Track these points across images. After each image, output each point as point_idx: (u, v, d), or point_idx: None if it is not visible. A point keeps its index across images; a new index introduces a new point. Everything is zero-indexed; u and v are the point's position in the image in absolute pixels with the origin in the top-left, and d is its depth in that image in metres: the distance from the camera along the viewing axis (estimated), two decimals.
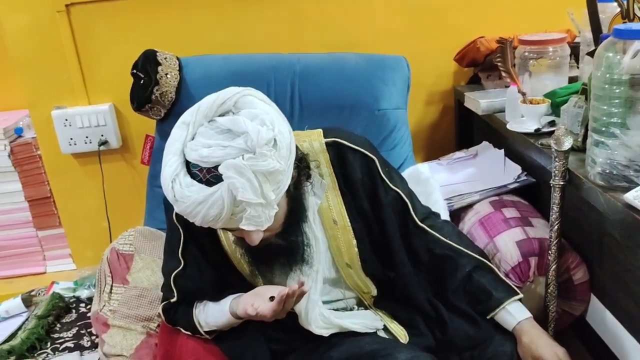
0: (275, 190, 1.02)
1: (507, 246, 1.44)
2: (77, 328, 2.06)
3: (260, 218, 1.01)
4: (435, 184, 1.71)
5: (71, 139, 2.20)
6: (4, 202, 2.57)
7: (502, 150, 1.78)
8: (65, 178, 2.47)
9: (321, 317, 1.26)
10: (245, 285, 1.29)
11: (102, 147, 2.21)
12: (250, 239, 1.08)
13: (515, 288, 1.27)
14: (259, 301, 1.17)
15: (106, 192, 2.41)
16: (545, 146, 1.39)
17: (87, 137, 2.20)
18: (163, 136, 1.88)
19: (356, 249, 1.26)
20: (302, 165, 1.15)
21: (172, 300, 1.33)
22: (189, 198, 1.01)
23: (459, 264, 1.27)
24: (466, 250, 1.29)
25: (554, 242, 1.31)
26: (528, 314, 1.22)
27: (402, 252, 1.28)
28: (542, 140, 1.43)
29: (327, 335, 1.26)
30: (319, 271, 1.25)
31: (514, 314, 1.22)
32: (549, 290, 1.34)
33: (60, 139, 2.20)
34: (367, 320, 1.29)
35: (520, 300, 1.25)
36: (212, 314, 1.30)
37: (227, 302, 1.28)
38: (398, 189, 1.29)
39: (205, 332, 1.31)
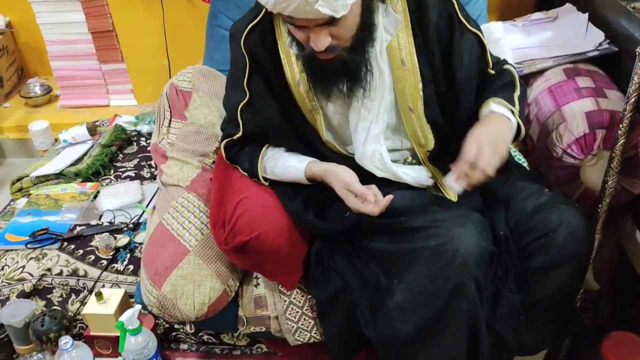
0: None
1: (575, 116, 1.37)
2: (137, 160, 2.17)
3: (337, 1, 0.99)
4: (506, 45, 1.61)
5: None
6: (69, 32, 2.61)
7: (586, 15, 1.63)
8: (128, 13, 2.45)
9: (378, 156, 1.27)
10: (305, 126, 1.30)
11: None
12: (317, 43, 1.06)
13: (514, 109, 1.22)
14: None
15: (167, 30, 2.39)
16: (638, 10, 1.26)
17: None
18: None
19: (421, 93, 1.23)
20: None
21: (236, 136, 1.35)
22: None
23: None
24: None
25: (628, 115, 1.23)
26: (503, 111, 1.20)
27: (471, 97, 1.25)
28: (635, 4, 1.29)
29: (379, 176, 1.28)
30: (381, 106, 1.23)
31: (492, 107, 1.21)
32: (612, 165, 1.28)
33: None
34: (420, 175, 1.29)
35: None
36: (283, 165, 1.33)
37: (305, 160, 1.30)
38: (478, 32, 1.25)
39: (264, 178, 1.35)
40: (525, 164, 1.46)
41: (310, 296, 1.40)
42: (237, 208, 1.30)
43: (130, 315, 1.35)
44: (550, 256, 1.16)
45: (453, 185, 1.13)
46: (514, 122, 1.20)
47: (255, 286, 1.44)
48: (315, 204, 1.33)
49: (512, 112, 1.19)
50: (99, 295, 1.53)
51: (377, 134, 1.24)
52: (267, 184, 1.36)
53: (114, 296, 1.55)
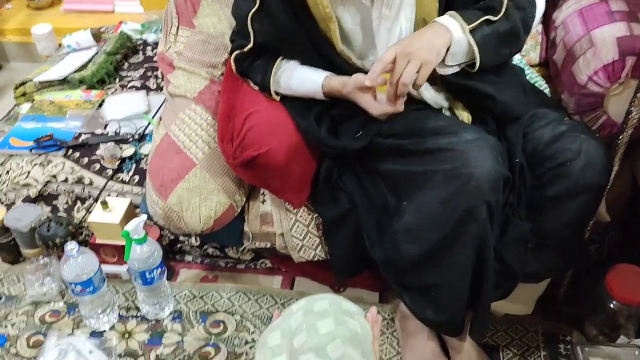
0: None
1: (605, 41, 1.29)
2: (143, 69, 2.10)
3: None
4: None
5: None
6: None
7: None
8: None
9: None
10: (318, 37, 1.23)
11: None
12: None
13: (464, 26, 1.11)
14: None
15: None
16: None
17: None
18: None
19: (437, 4, 1.16)
20: None
21: (247, 48, 1.29)
22: None
23: None
24: None
25: None
26: (446, 22, 1.11)
27: None
28: None
29: None
30: (403, 3, 1.16)
31: (441, 18, 1.12)
32: (638, 95, 1.23)
33: None
34: (436, 95, 1.24)
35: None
36: (299, 77, 1.27)
37: (323, 73, 1.25)
38: None
39: (275, 92, 1.30)
40: (547, 91, 1.41)
41: (316, 215, 1.39)
42: (246, 122, 1.26)
43: (136, 225, 1.34)
44: (566, 186, 1.13)
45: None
46: (456, 37, 1.10)
47: (262, 202, 1.43)
48: (328, 121, 1.29)
49: (463, 28, 1.10)
50: (105, 204, 1.52)
51: (399, 34, 1.18)
52: (278, 98, 1.32)
53: (119, 205, 1.55)
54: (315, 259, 1.43)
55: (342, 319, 0.94)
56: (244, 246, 1.47)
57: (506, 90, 1.21)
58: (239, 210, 1.39)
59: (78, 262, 1.37)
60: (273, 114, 1.29)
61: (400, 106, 1.16)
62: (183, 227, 1.34)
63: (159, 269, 1.43)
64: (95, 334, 1.49)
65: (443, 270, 1.19)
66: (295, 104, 1.31)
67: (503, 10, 1.12)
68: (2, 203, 1.72)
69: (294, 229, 1.39)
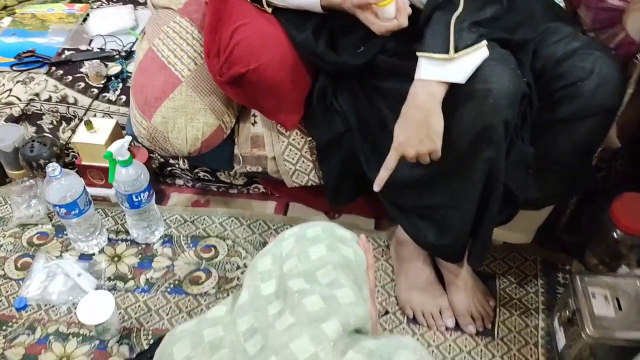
0: None
1: None
2: None
3: None
4: None
5: None
6: None
7: None
8: None
9: None
10: None
11: None
12: None
13: (452, 47, 0.99)
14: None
15: None
16: None
17: None
18: None
19: None
20: None
21: None
22: None
23: None
24: None
25: None
26: (432, 77, 1.00)
27: None
28: None
29: None
30: None
31: (419, 70, 1.02)
32: None
33: None
34: None
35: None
36: None
37: None
38: None
39: (267, 3, 1.20)
40: (562, 3, 1.29)
41: (310, 138, 1.32)
42: (234, 35, 1.17)
43: (119, 146, 1.28)
44: (576, 107, 1.05)
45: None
46: (450, 78, 1.00)
47: (253, 124, 1.35)
48: (326, 34, 1.20)
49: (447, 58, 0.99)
50: (89, 124, 1.45)
51: None
52: (270, 10, 1.21)
53: (104, 126, 1.48)
54: (309, 184, 1.37)
55: (335, 245, 0.89)
56: (234, 170, 1.41)
57: (514, 16, 1.11)
58: (228, 131, 1.32)
59: (61, 183, 1.32)
60: (264, 26, 1.19)
61: (404, 20, 1.06)
62: (169, 149, 1.27)
63: (147, 192, 1.38)
64: (84, 257, 1.46)
65: (451, 192, 1.14)
66: (290, 16, 1.20)
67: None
68: None
69: (287, 152, 1.33)
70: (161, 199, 1.60)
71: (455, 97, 1.02)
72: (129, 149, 1.32)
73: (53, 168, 1.29)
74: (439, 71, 1.00)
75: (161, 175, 1.64)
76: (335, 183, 1.32)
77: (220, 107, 1.28)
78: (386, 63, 1.15)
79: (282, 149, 1.32)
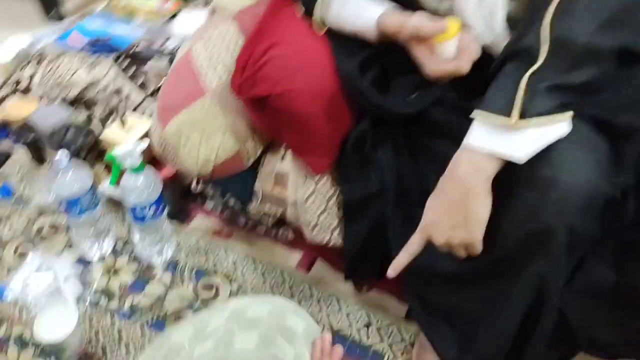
0: None
1: None
2: None
3: None
4: None
5: None
6: None
7: None
8: None
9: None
10: None
11: None
12: None
13: (517, 111, 0.73)
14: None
15: None
16: None
17: None
18: None
19: None
20: None
21: None
22: None
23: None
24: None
25: None
26: (483, 145, 0.74)
27: None
28: None
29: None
30: None
31: (469, 136, 0.76)
32: None
33: None
34: None
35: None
36: (352, 5, 0.97)
37: (381, 7, 0.93)
38: None
39: (322, 22, 1.01)
40: None
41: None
42: (270, 50, 0.98)
43: (128, 151, 1.14)
44: None
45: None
46: (506, 152, 0.73)
47: (281, 159, 1.15)
48: (377, 72, 0.98)
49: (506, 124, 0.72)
50: (123, 121, 1.33)
51: None
52: (322, 32, 1.02)
53: (140, 127, 1.36)
54: (330, 244, 1.14)
55: (272, 340, 0.65)
56: (252, 206, 1.21)
57: (625, 91, 0.81)
58: (249, 161, 1.13)
59: (67, 175, 1.20)
60: (309, 49, 0.99)
61: (464, 64, 0.82)
62: (178, 164, 1.11)
63: (154, 207, 1.22)
64: (82, 262, 1.33)
65: (486, 302, 0.86)
66: (344, 42, 1.00)
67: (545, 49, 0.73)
68: (41, 98, 1.61)
69: (310, 200, 1.10)
70: (185, 218, 1.44)
71: (510, 179, 0.75)
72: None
73: (61, 156, 1.17)
74: (493, 140, 0.74)
75: (190, 194, 1.48)
76: (358, 252, 1.08)
77: (244, 130, 1.09)
78: (440, 118, 0.91)
79: (306, 195, 1.10)
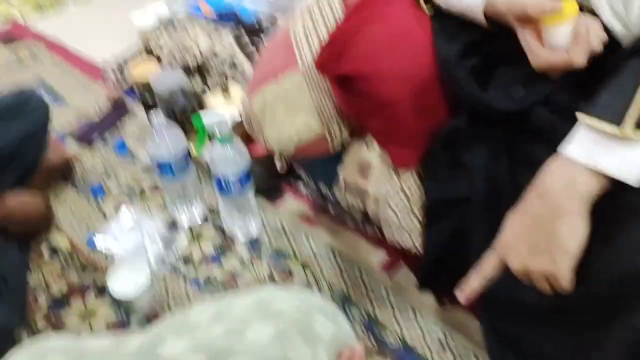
0: None
1: None
2: None
3: None
4: None
5: None
6: None
7: None
8: None
9: None
10: None
11: None
12: None
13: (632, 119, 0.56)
14: None
15: None
16: None
17: None
18: None
19: None
20: None
21: None
22: None
23: None
24: None
25: None
26: (582, 157, 0.59)
27: None
28: None
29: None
30: None
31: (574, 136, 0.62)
32: None
33: None
34: None
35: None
36: None
37: None
38: None
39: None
40: None
41: None
42: (360, 28, 0.89)
43: (217, 118, 1.11)
44: None
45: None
46: (612, 169, 0.57)
47: (367, 147, 1.05)
48: (478, 60, 0.85)
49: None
50: (226, 90, 1.32)
51: None
52: (428, 12, 0.91)
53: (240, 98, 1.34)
54: (409, 248, 1.03)
55: (290, 338, 0.58)
56: (335, 194, 1.13)
57: None
58: (335, 146, 1.05)
59: (162, 136, 1.21)
60: (404, 28, 0.89)
61: (578, 56, 0.67)
62: (260, 138, 1.06)
63: (239, 182, 1.19)
64: (172, 225, 1.35)
65: (568, 347, 0.73)
66: (447, 24, 0.88)
67: None
68: (165, 63, 1.66)
69: (394, 199, 1.00)
70: (275, 198, 1.40)
71: (614, 205, 0.60)
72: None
73: (157, 117, 1.19)
74: (598, 151, 0.59)
75: (285, 175, 1.44)
76: (436, 259, 0.95)
77: (330, 112, 1.01)
78: (544, 121, 0.76)
79: (389, 191, 1.00)
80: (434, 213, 0.94)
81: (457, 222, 0.90)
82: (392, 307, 1.15)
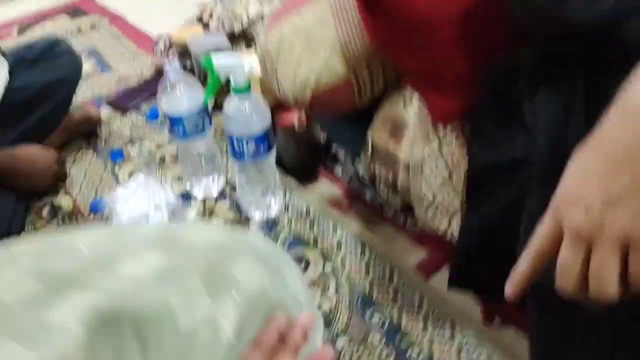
0: None
1: None
2: None
3: None
4: None
5: None
6: None
7: None
8: None
9: None
10: None
11: None
12: None
13: None
14: None
15: None
16: None
17: None
18: None
19: None
20: None
21: None
22: None
23: None
24: None
25: None
26: None
27: None
28: None
29: None
30: None
31: None
32: None
33: None
34: None
35: None
36: None
37: None
38: None
39: None
40: None
41: None
42: None
43: (233, 63, 0.94)
44: None
45: None
46: None
47: (403, 104, 0.83)
48: None
49: None
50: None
51: None
52: None
53: None
54: (447, 235, 0.79)
55: (183, 283, 0.38)
56: (360, 160, 0.91)
57: None
58: (362, 98, 0.84)
59: (177, 91, 1.05)
60: None
61: None
62: (274, 85, 0.87)
63: (255, 144, 1.00)
64: (186, 197, 1.18)
65: None
66: None
67: None
68: (211, 30, 1.53)
69: (430, 165, 0.77)
70: (307, 178, 1.20)
71: None
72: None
73: (171, 67, 1.03)
74: None
75: (325, 155, 1.23)
76: (475, 248, 0.71)
77: (358, 52, 0.80)
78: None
79: (424, 155, 0.77)
80: (479, 185, 0.70)
81: (507, 196, 0.65)
82: (424, 317, 0.90)
